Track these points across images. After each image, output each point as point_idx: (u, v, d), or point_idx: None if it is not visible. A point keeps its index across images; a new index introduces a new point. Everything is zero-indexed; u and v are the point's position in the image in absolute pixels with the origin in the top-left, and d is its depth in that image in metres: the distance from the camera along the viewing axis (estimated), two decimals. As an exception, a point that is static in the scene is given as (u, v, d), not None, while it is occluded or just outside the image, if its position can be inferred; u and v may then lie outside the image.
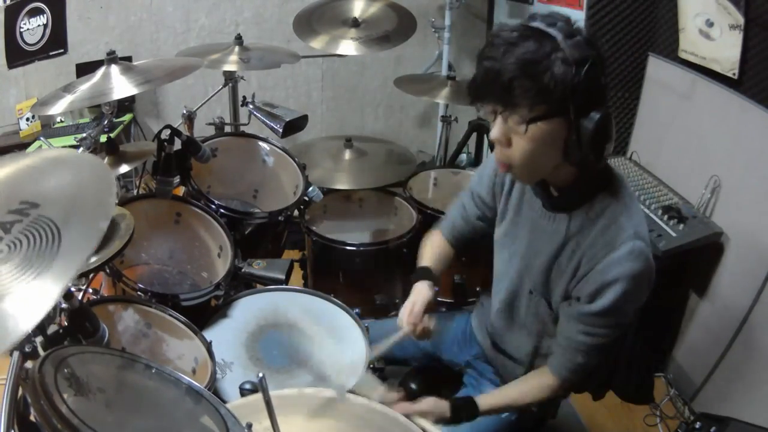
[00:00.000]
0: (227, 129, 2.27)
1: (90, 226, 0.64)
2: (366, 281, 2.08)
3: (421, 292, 1.31)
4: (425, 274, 1.37)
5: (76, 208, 0.66)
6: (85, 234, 0.63)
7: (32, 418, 0.72)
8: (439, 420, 1.21)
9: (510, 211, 1.28)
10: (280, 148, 2.04)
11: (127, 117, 2.97)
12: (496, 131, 1.05)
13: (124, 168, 1.66)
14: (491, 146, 1.11)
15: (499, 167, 1.11)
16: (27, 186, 0.71)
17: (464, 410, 1.24)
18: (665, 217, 2.01)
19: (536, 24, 0.99)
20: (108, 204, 0.68)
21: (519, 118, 1.00)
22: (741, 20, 1.80)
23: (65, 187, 0.72)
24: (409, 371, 1.58)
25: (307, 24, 2.28)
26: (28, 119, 2.81)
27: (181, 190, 1.74)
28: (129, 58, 2.45)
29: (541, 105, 0.98)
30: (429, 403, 1.22)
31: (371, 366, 1.33)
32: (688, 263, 2.07)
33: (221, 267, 1.60)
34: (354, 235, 2.18)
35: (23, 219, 0.64)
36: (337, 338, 1.43)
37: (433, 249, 1.45)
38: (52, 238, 0.62)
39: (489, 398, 1.27)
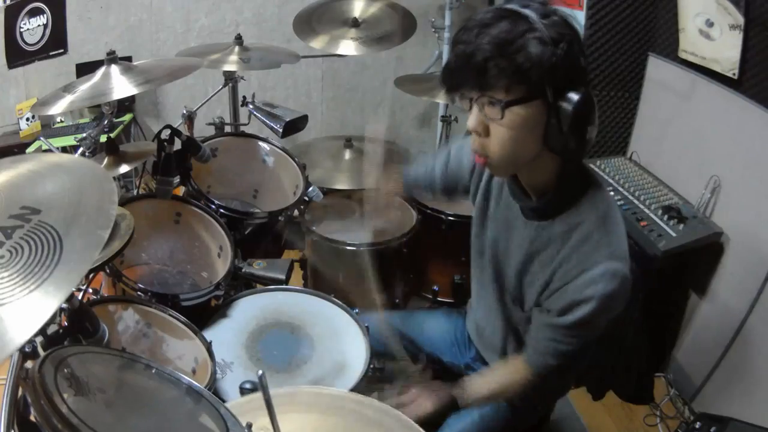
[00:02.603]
0: (227, 129, 2.27)
1: (91, 234, 0.63)
2: (366, 281, 2.08)
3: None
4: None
5: (77, 215, 0.66)
6: (86, 242, 0.63)
7: (32, 418, 0.72)
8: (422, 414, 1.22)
9: (489, 207, 1.25)
10: (280, 148, 2.04)
11: (127, 117, 2.97)
12: (472, 120, 1.01)
13: (124, 168, 1.66)
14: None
15: (476, 160, 1.06)
16: (28, 191, 0.70)
17: (447, 403, 1.25)
18: (665, 217, 2.01)
19: (511, 6, 0.95)
20: (109, 213, 0.68)
21: (495, 103, 0.96)
22: (741, 20, 1.80)
23: (66, 193, 0.71)
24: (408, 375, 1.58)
25: (307, 24, 2.28)
26: (28, 119, 2.81)
27: (181, 190, 1.74)
28: (129, 58, 2.44)
29: (518, 86, 0.94)
30: (414, 397, 1.25)
31: (371, 366, 1.33)
32: (688, 263, 2.07)
33: (221, 267, 1.60)
34: (354, 235, 2.18)
35: (24, 225, 0.63)
36: (337, 338, 1.43)
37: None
38: (53, 245, 0.61)
39: (470, 388, 1.26)
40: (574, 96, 0.94)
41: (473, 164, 1.29)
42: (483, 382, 1.28)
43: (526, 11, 0.94)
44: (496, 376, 1.29)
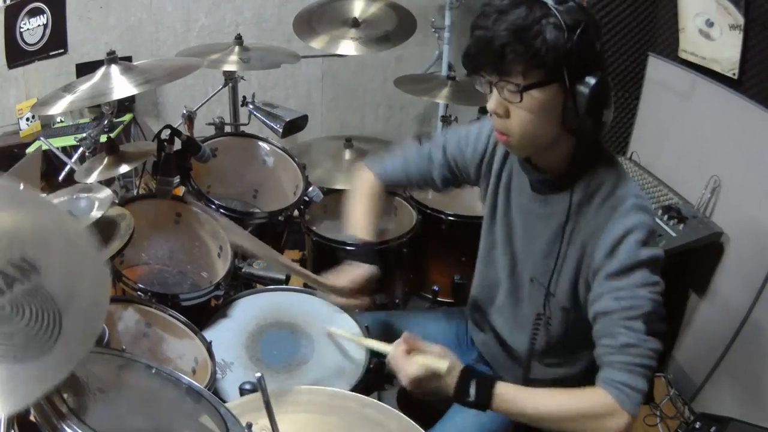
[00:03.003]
0: (227, 129, 2.27)
1: (87, 323, 0.63)
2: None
3: (356, 269, 1.30)
4: (366, 250, 1.33)
5: (73, 295, 0.65)
6: (82, 331, 0.62)
7: (32, 418, 0.72)
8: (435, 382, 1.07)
9: (500, 197, 1.25)
10: (280, 148, 2.04)
11: (127, 117, 2.97)
12: (492, 103, 1.04)
13: (124, 168, 1.66)
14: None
15: (498, 137, 1.09)
16: (30, 240, 0.68)
17: (478, 382, 1.06)
18: (665, 217, 2.01)
19: None
20: (102, 305, 0.68)
21: (514, 87, 0.98)
22: (741, 20, 1.80)
23: (66, 262, 0.69)
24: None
25: (307, 24, 2.29)
26: (28, 119, 2.81)
27: (181, 190, 1.74)
28: (129, 58, 2.44)
29: (535, 71, 0.97)
30: (437, 349, 1.10)
31: (371, 366, 1.33)
32: (688, 263, 2.07)
33: (221, 267, 1.60)
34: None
35: (24, 281, 0.61)
36: (337, 338, 1.43)
37: (372, 201, 1.38)
38: (52, 323, 0.60)
39: (520, 389, 1.06)
40: (591, 80, 0.97)
41: (480, 156, 1.29)
42: (543, 398, 1.05)
43: None
44: (567, 398, 1.04)
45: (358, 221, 1.37)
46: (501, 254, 1.27)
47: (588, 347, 1.11)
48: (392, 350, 1.11)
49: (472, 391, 1.05)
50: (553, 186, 1.13)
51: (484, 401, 1.05)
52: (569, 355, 1.26)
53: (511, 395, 1.05)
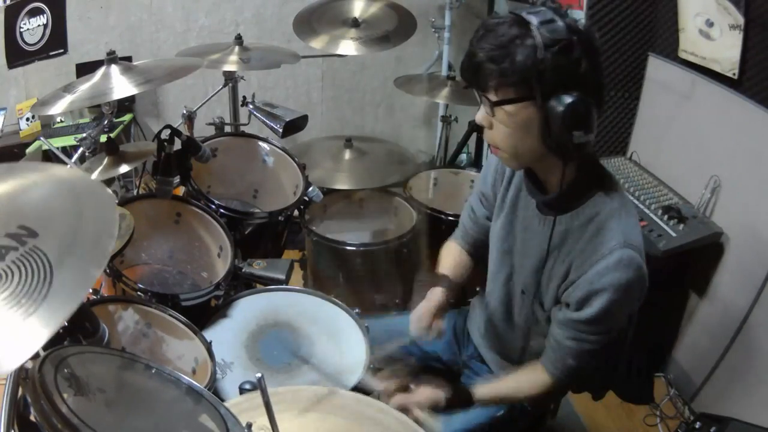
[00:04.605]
0: (227, 129, 2.27)
1: (83, 270, 0.61)
2: (366, 281, 2.08)
3: (432, 297, 1.34)
4: (440, 280, 1.39)
5: (73, 244, 0.63)
6: (76, 279, 0.60)
7: (32, 418, 0.72)
8: (434, 408, 1.21)
9: (506, 207, 1.28)
10: (280, 148, 2.04)
11: (127, 117, 2.97)
12: (478, 115, 1.09)
13: (124, 168, 1.66)
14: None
15: (491, 149, 1.13)
16: (30, 206, 0.68)
17: (459, 398, 1.24)
18: (665, 217, 2.01)
19: (522, 11, 1.00)
20: (106, 248, 0.65)
21: (488, 102, 1.04)
22: (741, 20, 1.80)
23: (67, 216, 0.69)
24: (409, 371, 1.58)
25: (307, 24, 2.28)
26: (28, 119, 2.81)
27: (181, 190, 1.74)
28: (129, 58, 2.44)
29: (506, 88, 1.00)
30: (425, 393, 1.22)
31: (371, 366, 1.33)
32: (688, 263, 2.07)
33: (221, 267, 1.60)
34: (354, 235, 2.18)
35: (19, 247, 0.61)
36: (337, 338, 1.43)
37: (449, 258, 1.46)
38: (43, 276, 0.59)
39: (484, 388, 1.26)
40: (564, 99, 0.97)
41: (493, 178, 1.34)
42: (499, 384, 1.29)
43: (531, 17, 0.98)
44: (513, 380, 1.28)
45: (440, 265, 1.46)
46: (506, 264, 1.30)
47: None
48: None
49: (461, 404, 1.24)
50: (552, 207, 1.14)
51: (466, 406, 1.24)
52: None
53: (486, 395, 1.25)
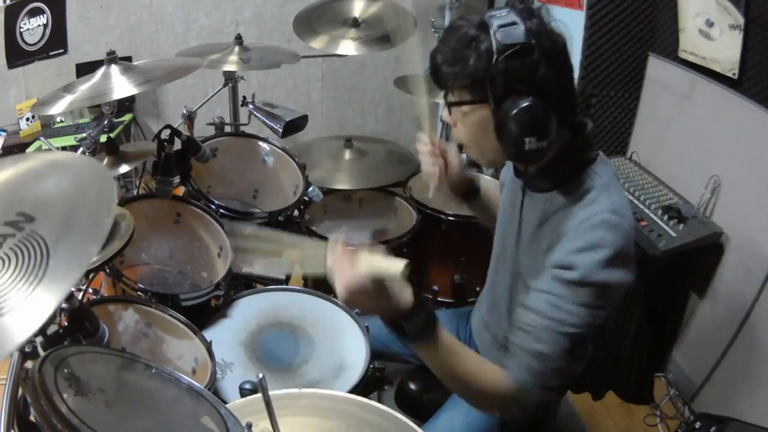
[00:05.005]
0: (227, 129, 2.27)
1: (80, 250, 0.61)
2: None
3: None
4: None
5: (70, 225, 0.63)
6: (73, 259, 0.60)
7: (32, 418, 0.72)
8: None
9: (502, 202, 1.30)
10: (280, 148, 2.04)
11: (127, 117, 2.97)
12: (443, 112, 1.13)
13: (124, 168, 1.66)
14: None
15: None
16: (27, 193, 0.68)
17: (402, 301, 0.97)
18: (665, 217, 2.01)
19: (485, 13, 1.01)
20: (104, 225, 0.64)
21: (445, 102, 1.08)
22: (741, 20, 1.80)
23: (65, 196, 0.69)
24: (409, 370, 1.58)
25: (307, 24, 2.28)
26: (28, 119, 2.81)
27: (181, 190, 1.74)
28: (129, 58, 2.44)
29: (461, 91, 1.03)
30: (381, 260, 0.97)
31: (371, 366, 1.33)
32: (688, 263, 2.07)
33: (221, 267, 1.60)
34: (354, 235, 2.18)
35: (16, 234, 0.61)
36: (337, 338, 1.43)
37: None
38: (40, 259, 0.59)
39: (446, 334, 1.03)
40: (513, 105, 0.97)
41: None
42: (464, 348, 1.06)
43: (492, 20, 0.98)
44: (478, 359, 1.08)
45: None
46: (500, 251, 1.29)
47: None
48: (332, 249, 1.00)
49: (416, 323, 0.99)
50: (536, 186, 1.14)
51: (416, 339, 1.00)
52: None
53: (442, 350, 1.02)
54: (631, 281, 1.03)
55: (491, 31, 0.97)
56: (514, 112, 0.97)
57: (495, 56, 0.96)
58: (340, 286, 0.96)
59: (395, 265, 0.93)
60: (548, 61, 0.97)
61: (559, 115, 1.00)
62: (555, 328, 1.01)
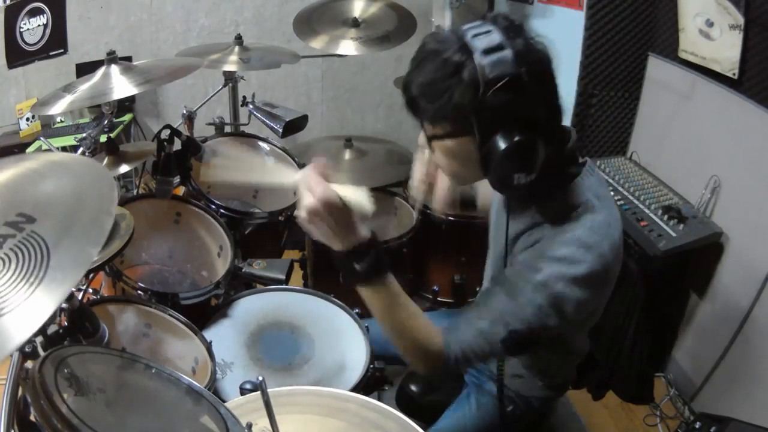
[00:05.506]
0: (227, 129, 2.27)
1: (80, 250, 0.61)
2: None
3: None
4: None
5: (70, 225, 0.63)
6: (73, 259, 0.60)
7: (32, 418, 0.72)
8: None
9: (492, 209, 1.28)
10: (280, 148, 2.04)
11: (127, 117, 2.97)
12: (420, 137, 1.05)
13: (124, 168, 1.66)
14: None
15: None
16: (28, 193, 0.68)
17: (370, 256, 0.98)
18: (665, 217, 2.01)
19: (466, 32, 0.91)
20: (104, 226, 0.64)
21: (424, 133, 1.00)
22: (741, 20, 1.80)
23: (65, 197, 0.69)
24: (410, 372, 1.58)
25: (307, 24, 2.28)
26: (28, 119, 2.81)
27: (181, 190, 1.74)
28: (129, 58, 2.44)
29: (442, 123, 0.95)
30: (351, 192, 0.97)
31: (371, 366, 1.33)
32: (688, 263, 2.07)
33: (221, 266, 1.60)
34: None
35: (16, 234, 0.61)
36: (337, 338, 1.43)
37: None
38: (40, 259, 0.59)
39: (395, 282, 1.04)
40: (501, 142, 0.90)
41: None
42: (409, 301, 1.06)
43: (475, 42, 0.88)
44: (419, 315, 1.07)
45: None
46: (491, 252, 1.29)
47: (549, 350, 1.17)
48: (304, 171, 0.98)
49: (369, 260, 0.98)
50: (523, 203, 1.08)
51: (367, 277, 1.00)
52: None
53: (388, 295, 1.03)
54: (598, 303, 1.03)
55: (475, 57, 0.87)
56: (503, 148, 0.89)
57: (482, 88, 0.86)
58: (307, 198, 0.93)
59: (366, 200, 0.93)
60: (538, 87, 0.90)
61: (546, 138, 0.94)
62: (500, 313, 1.01)
